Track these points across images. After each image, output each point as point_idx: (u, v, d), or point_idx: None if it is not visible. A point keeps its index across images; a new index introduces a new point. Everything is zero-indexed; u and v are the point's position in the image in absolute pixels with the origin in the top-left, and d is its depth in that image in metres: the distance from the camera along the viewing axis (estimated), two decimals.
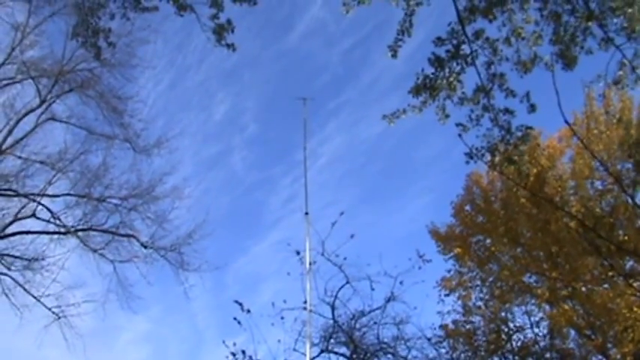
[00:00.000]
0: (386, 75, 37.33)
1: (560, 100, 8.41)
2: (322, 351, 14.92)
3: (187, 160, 33.32)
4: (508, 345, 22.56)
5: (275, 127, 38.57)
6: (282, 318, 14.51)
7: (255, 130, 37.85)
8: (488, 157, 9.45)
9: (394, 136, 39.01)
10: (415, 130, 37.26)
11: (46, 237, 20.07)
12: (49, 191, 20.06)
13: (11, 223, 19.47)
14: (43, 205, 19.89)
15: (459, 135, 9.31)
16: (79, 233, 20.14)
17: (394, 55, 9.10)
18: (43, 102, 20.11)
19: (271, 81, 38.09)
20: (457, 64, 8.89)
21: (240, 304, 14.26)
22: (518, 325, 22.77)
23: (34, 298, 19.57)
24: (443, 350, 21.04)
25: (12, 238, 19.55)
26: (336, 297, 15.08)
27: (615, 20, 8.18)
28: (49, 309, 19.77)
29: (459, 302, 23.15)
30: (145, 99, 22.39)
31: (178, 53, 32.14)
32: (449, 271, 23.43)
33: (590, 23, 8.33)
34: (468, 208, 23.51)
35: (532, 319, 22.51)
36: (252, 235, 38.08)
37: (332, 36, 36.42)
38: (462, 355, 22.18)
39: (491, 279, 22.74)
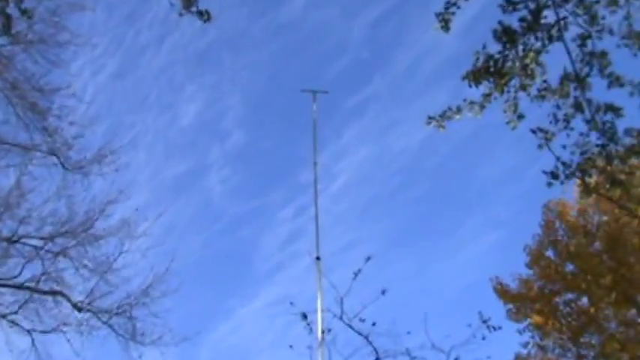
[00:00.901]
0: (430, 58, 36.86)
1: None
2: None
3: (143, 182, 33.07)
4: None
5: (270, 135, 38.24)
6: None
7: (240, 138, 37.60)
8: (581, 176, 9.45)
9: (443, 147, 38.12)
10: (473, 139, 36.63)
11: None
12: None
13: None
14: None
15: (540, 146, 9.43)
16: None
17: (445, 27, 9.22)
18: None
19: (264, 68, 37.74)
20: (536, 38, 8.94)
21: None
22: None
23: None
24: None
25: None
26: None
27: None
28: None
29: None
30: (81, 93, 22.23)
31: (129, 27, 32.12)
32: (526, 345, 23.35)
33: None
34: (549, 253, 23.45)
35: None
36: (237, 291, 37.79)
37: (351, 3, 36.43)
38: None
39: (592, 355, 22.61)
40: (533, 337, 23.21)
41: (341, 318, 14.93)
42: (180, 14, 8.61)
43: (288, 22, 36.51)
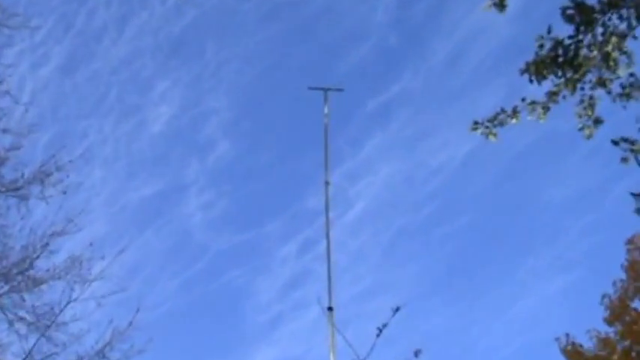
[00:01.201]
0: (477, 46, 36.72)
1: None
2: None
3: (99, 208, 32.84)
4: None
5: (265, 146, 38.11)
6: None
7: (226, 150, 37.38)
8: None
9: (493, 163, 37.76)
10: (534, 152, 36.45)
11: None
12: None
13: None
14: None
15: (623, 159, 9.26)
16: None
17: (500, 5, 9.28)
18: None
19: (258, 59, 37.75)
20: (620, 18, 8.77)
21: None
22: None
23: None
24: None
25: None
26: None
27: None
28: None
29: None
30: (17, 90, 22.17)
31: (80, 5, 32.17)
32: None
33: None
34: (636, 304, 23.28)
35: None
36: (224, 352, 37.60)
37: None
38: None
39: None
40: None
41: None
42: None
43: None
